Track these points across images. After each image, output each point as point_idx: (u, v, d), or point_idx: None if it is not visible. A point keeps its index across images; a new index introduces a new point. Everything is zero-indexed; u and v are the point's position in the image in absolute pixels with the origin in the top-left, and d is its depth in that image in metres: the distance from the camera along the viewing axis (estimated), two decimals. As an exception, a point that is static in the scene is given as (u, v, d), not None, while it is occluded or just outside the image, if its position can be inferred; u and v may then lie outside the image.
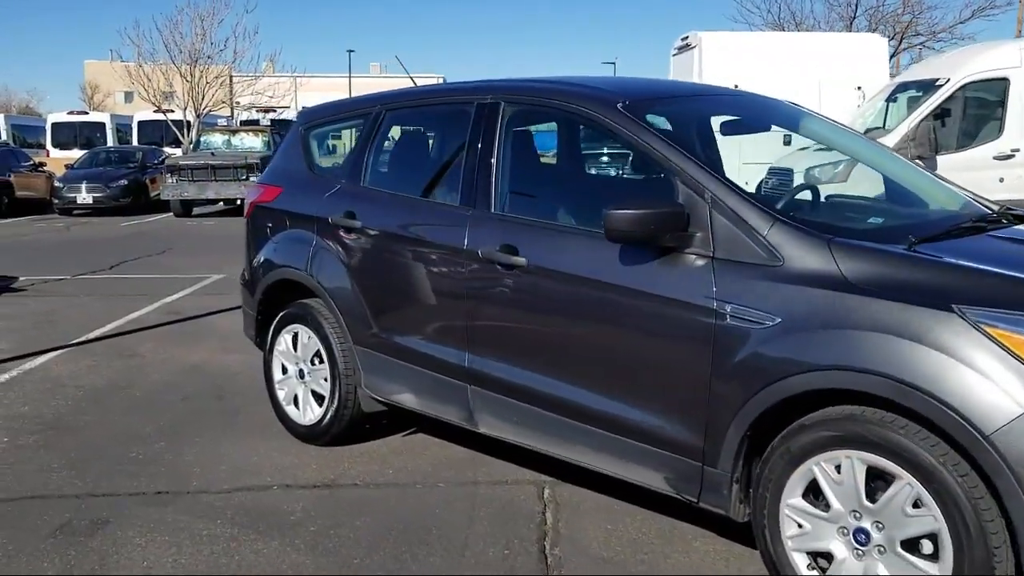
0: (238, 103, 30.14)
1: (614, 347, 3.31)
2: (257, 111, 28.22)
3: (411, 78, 5.08)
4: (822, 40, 16.09)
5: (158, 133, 28.51)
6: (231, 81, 29.02)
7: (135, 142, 28.38)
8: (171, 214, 20.14)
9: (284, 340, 4.82)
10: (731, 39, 13.94)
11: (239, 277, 5.42)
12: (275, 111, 28.75)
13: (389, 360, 4.24)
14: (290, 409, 4.83)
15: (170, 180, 19.58)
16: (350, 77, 72.58)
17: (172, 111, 27.63)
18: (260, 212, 5.02)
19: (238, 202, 20.46)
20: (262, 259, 4.93)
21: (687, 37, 14.09)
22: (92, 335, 7.51)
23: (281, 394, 4.88)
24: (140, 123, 29.19)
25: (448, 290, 3.92)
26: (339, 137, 5.98)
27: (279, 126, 24.20)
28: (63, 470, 4.44)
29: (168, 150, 24.65)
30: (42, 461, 4.56)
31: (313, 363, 4.67)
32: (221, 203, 20.63)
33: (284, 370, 4.87)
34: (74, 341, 7.28)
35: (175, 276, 10.95)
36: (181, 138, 26.77)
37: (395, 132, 4.61)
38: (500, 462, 4.45)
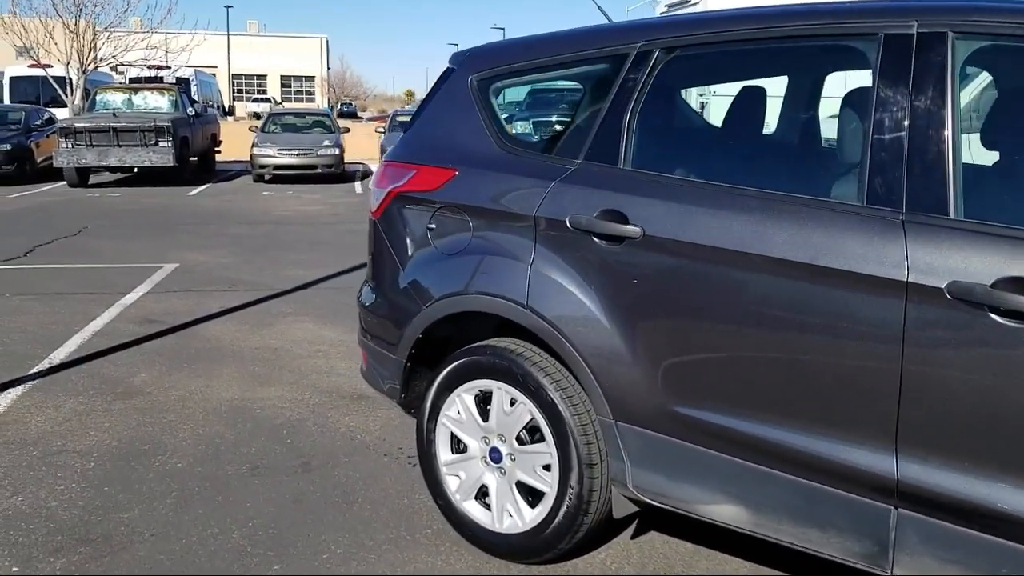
0: (102, 59, 26.45)
1: None
2: (149, 68, 25.28)
3: (606, 15, 3.44)
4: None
5: (34, 90, 25.16)
6: (93, 35, 25.12)
7: (6, 100, 25.05)
8: (64, 183, 17.54)
9: (461, 402, 3.16)
10: (740, -6, 12.56)
11: (359, 296, 3.68)
12: (169, 68, 25.94)
13: (694, 450, 2.66)
14: (470, 506, 3.19)
15: (65, 145, 16.97)
16: (228, 35, 68.59)
17: (51, 66, 24.37)
18: (409, 206, 3.31)
19: (135, 170, 18.06)
20: (421, 278, 3.24)
21: (683, -8, 12.67)
22: (56, 358, 5.56)
23: (452, 483, 3.23)
24: (12, 79, 25.73)
25: (849, 348, 2.36)
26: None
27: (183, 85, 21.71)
28: (146, 640, 2.69)
29: (52, 110, 21.71)
30: (99, 619, 2.79)
31: (521, 440, 3.04)
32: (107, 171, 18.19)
33: (459, 446, 3.21)
34: (36, 370, 5.33)
35: (114, 266, 8.91)
36: (64, 97, 23.67)
37: (671, 83, 2.95)
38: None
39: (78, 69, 23.77)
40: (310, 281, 8.12)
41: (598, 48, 3.01)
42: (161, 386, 5.03)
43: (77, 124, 17.18)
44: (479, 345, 3.13)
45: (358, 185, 18.45)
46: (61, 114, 21.79)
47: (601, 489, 2.89)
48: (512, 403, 3.03)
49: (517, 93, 15.25)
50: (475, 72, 3.31)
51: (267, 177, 18.78)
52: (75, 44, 23.26)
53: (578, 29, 3.14)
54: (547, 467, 2.97)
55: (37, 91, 25.11)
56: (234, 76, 75.65)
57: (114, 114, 17.83)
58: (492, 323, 3.25)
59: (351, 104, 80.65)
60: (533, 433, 3.01)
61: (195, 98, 23.87)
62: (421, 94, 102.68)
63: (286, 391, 4.97)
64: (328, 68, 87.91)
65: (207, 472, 3.87)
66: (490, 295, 3.01)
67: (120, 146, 17.05)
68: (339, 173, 19.03)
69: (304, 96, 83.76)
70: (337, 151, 18.90)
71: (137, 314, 6.78)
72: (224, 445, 4.18)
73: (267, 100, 72.77)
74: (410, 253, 3.32)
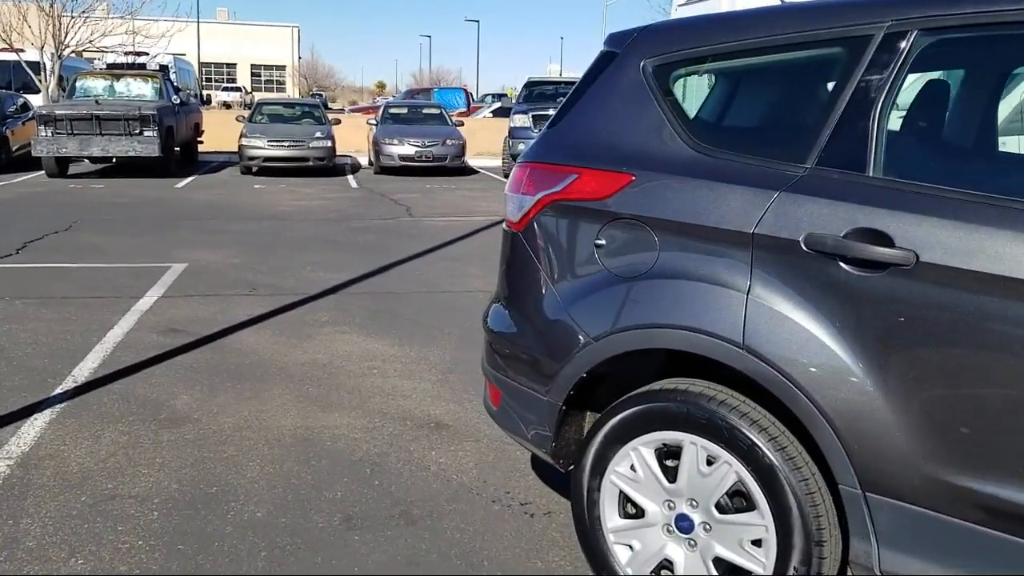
0: (78, 43, 25.38)
1: None
2: (125, 54, 24.30)
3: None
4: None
5: (3, 76, 24.14)
6: (68, 19, 23.82)
7: (-25, 86, 23.98)
8: (42, 173, 16.72)
9: (637, 457, 2.60)
10: (767, -13, 12.08)
11: (485, 320, 3.11)
12: (146, 54, 24.98)
13: (975, 531, 2.13)
14: (647, 583, 2.64)
15: (44, 133, 16.11)
16: (199, 22, 67.19)
17: (23, 50, 23.36)
18: (567, 217, 2.75)
19: (114, 160, 17.20)
20: (587, 305, 2.67)
21: (705, -16, 12.17)
22: (80, 376, 4.92)
23: (621, 554, 2.68)
24: (-20, 64, 24.65)
25: None
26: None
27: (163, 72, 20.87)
28: None
29: (26, 97, 20.77)
30: None
31: (721, 508, 2.49)
32: (86, 160, 17.34)
33: (631, 510, 2.66)
34: (60, 390, 4.69)
35: (118, 265, 8.23)
36: (37, 82, 22.71)
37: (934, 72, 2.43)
38: None
39: (52, 54, 22.83)
40: (336, 285, 7.51)
41: (825, 28, 2.45)
42: (209, 411, 4.42)
43: (58, 111, 16.33)
44: (664, 389, 2.57)
45: (351, 179, 17.77)
46: (34, 101, 20.87)
47: (832, 572, 2.36)
48: (710, 462, 2.48)
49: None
50: (648, 57, 2.75)
51: (255, 169, 18.04)
52: (50, 28, 22.31)
53: (791, 5, 2.59)
54: (757, 542, 2.43)
55: (8, 76, 24.06)
56: (203, 64, 73.99)
57: (96, 101, 16.99)
58: (657, 360, 2.72)
59: (322, 95, 79.11)
60: (735, 498, 2.47)
61: (177, 85, 23.02)
62: (392, 86, 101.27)
63: (352, 418, 4.38)
64: (299, 58, 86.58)
65: (294, 524, 3.28)
66: (689, 330, 2.45)
67: (103, 135, 16.24)
68: (330, 166, 18.35)
69: (275, 86, 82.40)
70: (329, 143, 18.20)
71: (158, 322, 6.14)
72: (303, 488, 3.59)
73: (237, 89, 71.34)
74: (568, 273, 2.76)
